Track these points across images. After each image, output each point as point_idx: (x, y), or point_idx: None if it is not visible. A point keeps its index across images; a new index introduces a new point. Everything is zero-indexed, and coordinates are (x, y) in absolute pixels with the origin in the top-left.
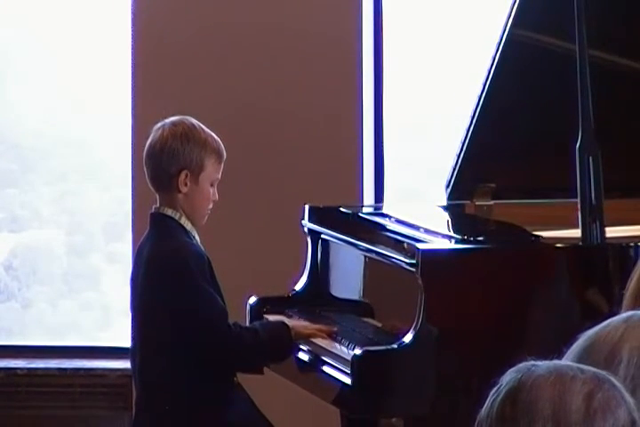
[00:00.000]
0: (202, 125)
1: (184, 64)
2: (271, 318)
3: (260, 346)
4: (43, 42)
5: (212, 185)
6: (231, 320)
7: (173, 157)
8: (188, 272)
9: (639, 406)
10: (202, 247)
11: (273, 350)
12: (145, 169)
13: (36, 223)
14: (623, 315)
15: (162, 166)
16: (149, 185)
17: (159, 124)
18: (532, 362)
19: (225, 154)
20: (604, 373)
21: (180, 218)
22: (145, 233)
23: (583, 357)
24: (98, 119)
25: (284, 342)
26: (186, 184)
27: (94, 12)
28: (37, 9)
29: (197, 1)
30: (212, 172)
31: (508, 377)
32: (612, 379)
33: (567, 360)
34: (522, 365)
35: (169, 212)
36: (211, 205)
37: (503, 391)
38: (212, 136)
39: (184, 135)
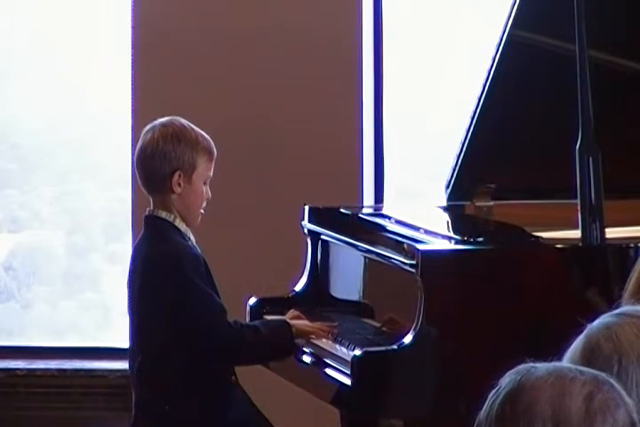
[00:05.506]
0: (191, 125)
1: (184, 64)
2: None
3: (262, 343)
4: (43, 41)
5: (204, 184)
6: (230, 319)
7: (166, 159)
8: (183, 273)
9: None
10: (198, 248)
11: (274, 348)
12: (137, 172)
13: (35, 223)
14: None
15: (154, 169)
16: (142, 188)
17: (149, 127)
18: (531, 364)
19: (215, 151)
20: (603, 374)
21: (174, 220)
22: (139, 235)
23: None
24: (98, 119)
25: (286, 340)
26: (179, 185)
27: (95, 13)
28: (38, 9)
29: (197, 1)
30: (205, 170)
31: (507, 379)
32: (612, 380)
33: (566, 357)
34: (521, 366)
35: (163, 214)
36: (204, 204)
37: (502, 393)
38: (202, 135)
39: (175, 136)
